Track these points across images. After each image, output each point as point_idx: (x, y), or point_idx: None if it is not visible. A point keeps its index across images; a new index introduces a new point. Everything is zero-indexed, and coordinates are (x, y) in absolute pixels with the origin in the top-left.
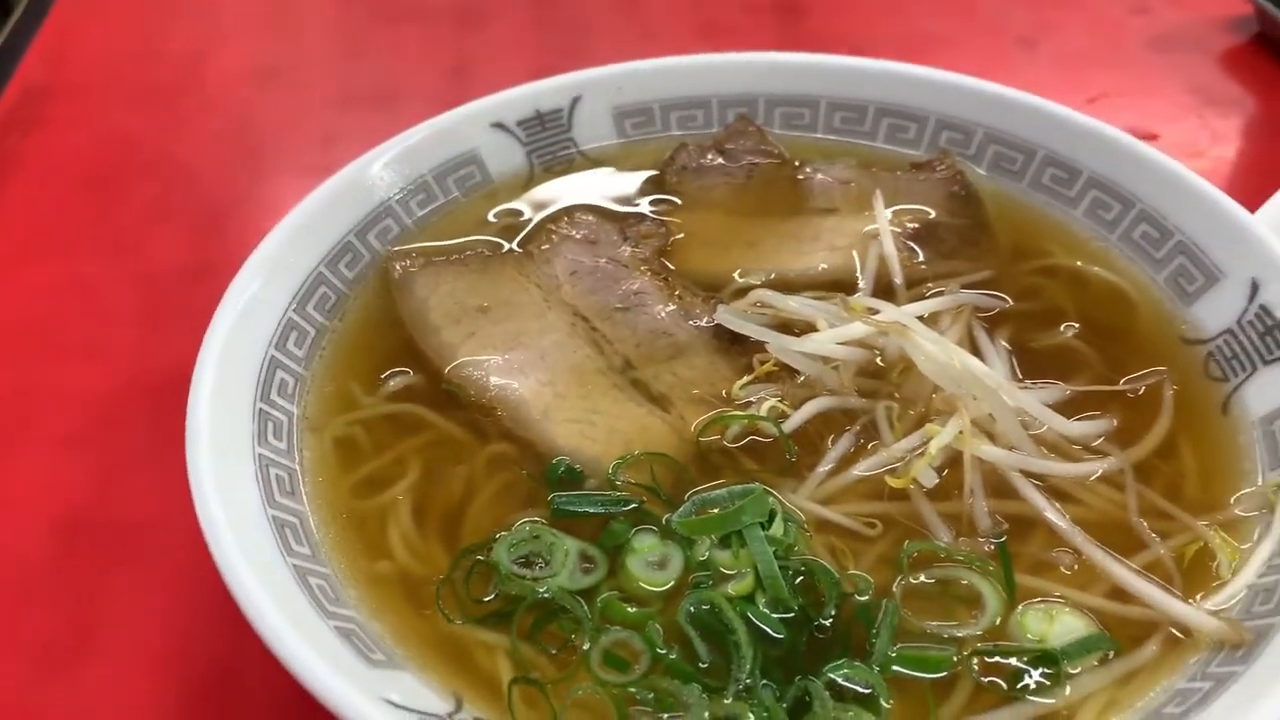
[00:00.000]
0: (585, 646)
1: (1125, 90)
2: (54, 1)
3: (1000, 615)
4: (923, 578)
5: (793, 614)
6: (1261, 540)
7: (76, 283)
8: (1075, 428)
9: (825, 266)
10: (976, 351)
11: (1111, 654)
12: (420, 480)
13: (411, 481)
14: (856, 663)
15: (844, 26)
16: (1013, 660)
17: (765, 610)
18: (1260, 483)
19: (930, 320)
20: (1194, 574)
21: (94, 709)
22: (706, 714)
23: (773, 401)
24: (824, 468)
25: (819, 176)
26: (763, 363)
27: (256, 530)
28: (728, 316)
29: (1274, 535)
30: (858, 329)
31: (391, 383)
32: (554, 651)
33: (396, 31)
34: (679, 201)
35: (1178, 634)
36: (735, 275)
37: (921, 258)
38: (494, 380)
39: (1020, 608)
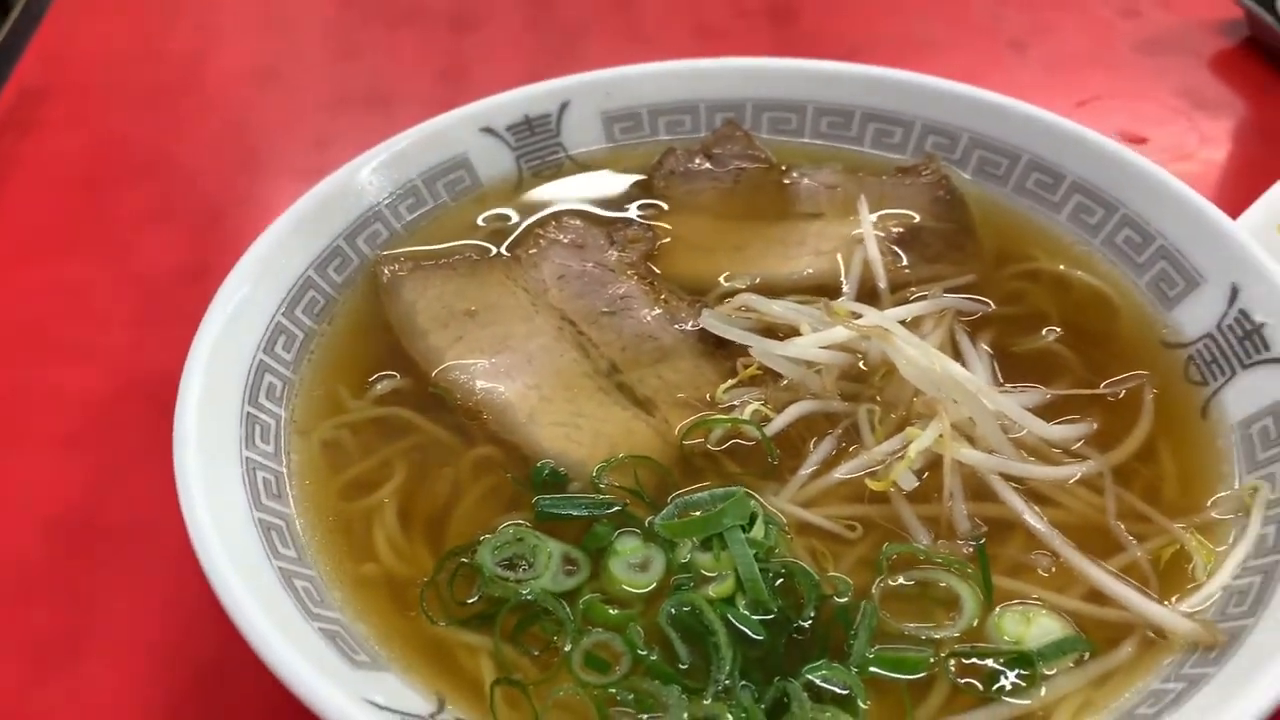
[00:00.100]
0: (567, 648)
1: (1116, 93)
2: (51, 3)
3: (978, 617)
4: (902, 580)
5: (773, 616)
6: (1237, 543)
7: (72, 284)
8: (1055, 431)
9: (810, 271)
10: (958, 355)
11: (1087, 655)
12: (406, 483)
13: (398, 484)
14: (835, 664)
15: (837, 30)
16: (989, 662)
17: (745, 612)
18: (1237, 486)
19: (913, 324)
20: (1170, 576)
21: (88, 709)
22: (685, 715)
23: (756, 405)
24: (806, 470)
25: (805, 181)
26: (746, 366)
27: (243, 533)
28: (712, 321)
29: (1249, 538)
30: (840, 333)
31: (379, 386)
32: (536, 653)
33: (391, 34)
34: (666, 206)
35: (1153, 636)
36: (721, 279)
37: (905, 262)
38: (480, 384)
39: (998, 610)
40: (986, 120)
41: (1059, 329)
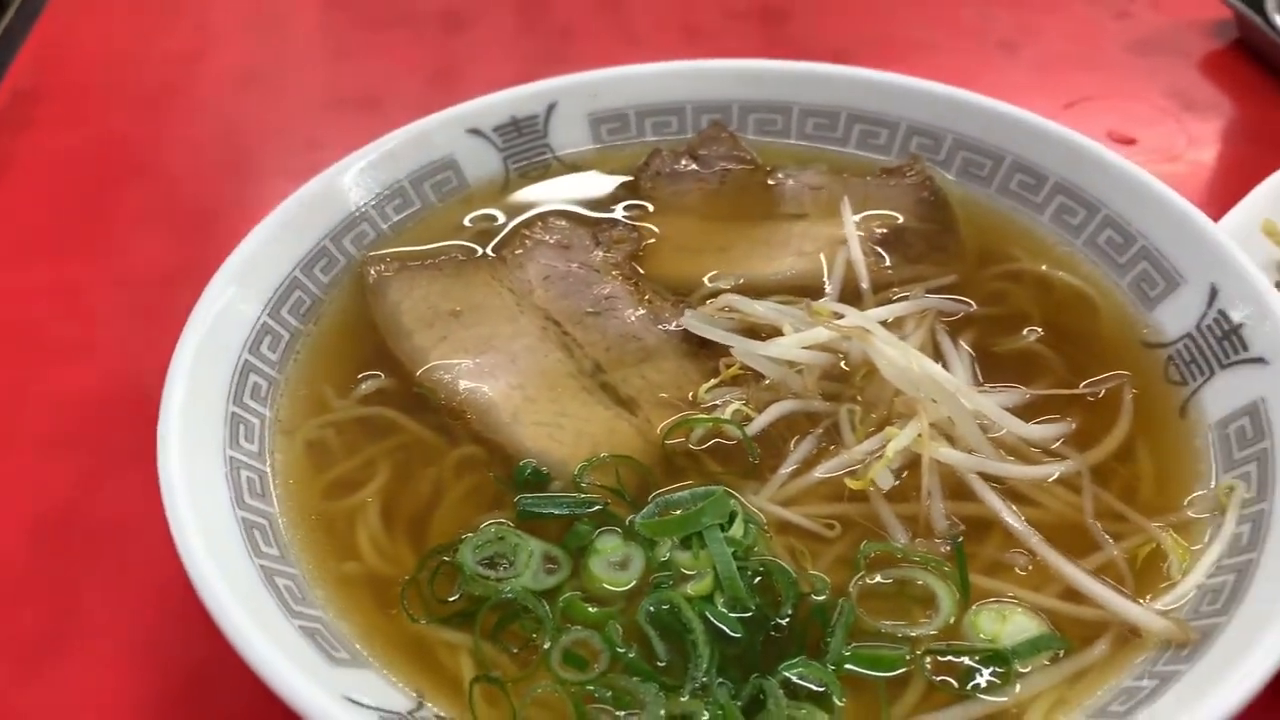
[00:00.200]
0: (546, 646)
1: (1105, 94)
2: (45, 5)
3: (954, 615)
4: (879, 578)
5: (750, 613)
6: (1212, 542)
7: (64, 285)
8: (1033, 431)
9: (794, 271)
10: (939, 355)
11: (1062, 653)
12: (390, 482)
13: (381, 484)
14: (811, 661)
15: (826, 31)
16: (965, 659)
17: (723, 610)
18: (1213, 485)
19: (895, 325)
20: (1146, 575)
21: (74, 708)
22: (663, 712)
23: (737, 404)
24: (786, 470)
25: (790, 182)
26: (729, 366)
27: (225, 531)
28: (694, 321)
29: (1224, 537)
30: (821, 333)
31: (364, 386)
32: (515, 650)
33: (383, 35)
34: (652, 207)
35: (1127, 633)
36: (706, 280)
37: (888, 262)
38: (464, 384)
39: (974, 608)
40: (971, 121)
41: (1040, 329)
